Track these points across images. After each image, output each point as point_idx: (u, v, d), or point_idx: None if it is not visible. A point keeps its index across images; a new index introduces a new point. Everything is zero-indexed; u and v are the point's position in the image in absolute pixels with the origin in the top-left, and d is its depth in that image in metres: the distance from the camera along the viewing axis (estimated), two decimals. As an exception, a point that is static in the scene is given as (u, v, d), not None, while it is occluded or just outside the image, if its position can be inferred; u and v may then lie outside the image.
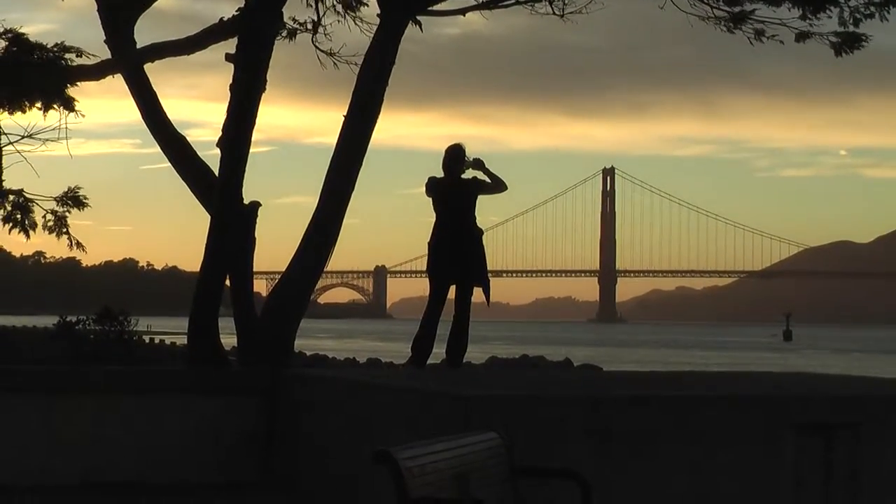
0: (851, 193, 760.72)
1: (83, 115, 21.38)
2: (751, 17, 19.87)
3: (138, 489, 15.64)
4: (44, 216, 22.10)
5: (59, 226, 22.12)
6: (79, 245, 22.78)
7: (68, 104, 20.74)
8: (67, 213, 22.19)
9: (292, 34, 20.85)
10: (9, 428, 15.87)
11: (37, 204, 22.27)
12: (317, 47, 21.11)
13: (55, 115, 20.78)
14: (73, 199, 22.12)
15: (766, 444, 12.75)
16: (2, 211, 21.95)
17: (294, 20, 20.75)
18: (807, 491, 12.69)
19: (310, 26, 20.88)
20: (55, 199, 22.26)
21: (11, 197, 21.97)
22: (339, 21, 21.04)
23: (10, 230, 22.14)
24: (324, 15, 20.98)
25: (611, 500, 11.38)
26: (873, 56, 21.89)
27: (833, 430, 12.75)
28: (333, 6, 20.75)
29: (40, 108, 20.67)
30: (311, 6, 20.80)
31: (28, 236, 22.31)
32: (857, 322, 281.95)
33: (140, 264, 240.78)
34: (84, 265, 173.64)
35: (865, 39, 19.68)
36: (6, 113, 20.58)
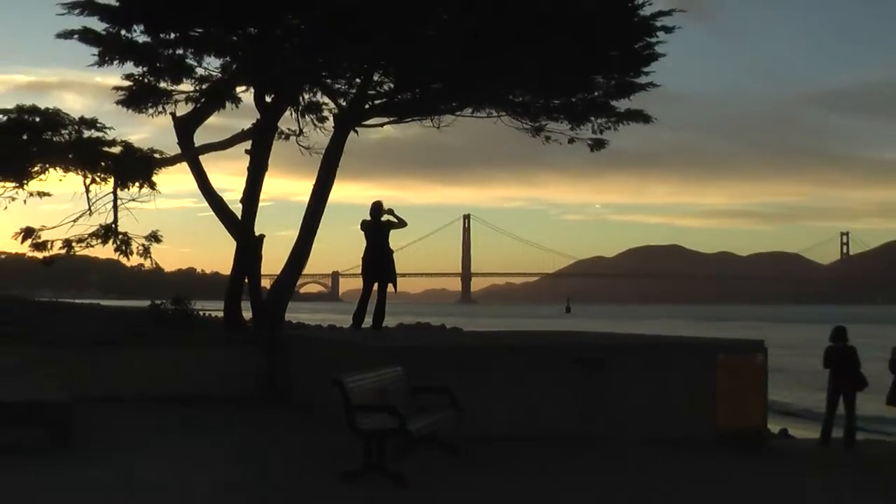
0: (601, 229, 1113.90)
1: (160, 192, 27.60)
2: (544, 129, 26.95)
3: (200, 398, 20.95)
4: (137, 247, 27.83)
5: (146, 253, 27.90)
6: (157, 264, 29.25)
7: (153, 184, 27.36)
8: (150, 245, 27.90)
9: (288, 138, 27.48)
10: (123, 367, 21.69)
11: (134, 240, 27.84)
12: (299, 144, 27.63)
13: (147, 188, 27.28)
14: (154, 237, 27.97)
15: (556, 370, 17.37)
16: (116, 244, 27.64)
17: (287, 129, 27.47)
18: (576, 397, 17.30)
19: (297, 133, 27.56)
20: (144, 237, 27.99)
21: (120, 236, 27.62)
22: (312, 129, 27.64)
23: (119, 255, 27.93)
24: (304, 126, 27.56)
25: (467, 404, 14.96)
26: (611, 151, 28.62)
27: (592, 361, 17.55)
28: (311, 121, 27.42)
29: (141, 187, 27.31)
30: (296, 121, 27.36)
31: (129, 259, 27.98)
32: (609, 302, 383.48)
33: (197, 270, 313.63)
34: (166, 271, 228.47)
35: (607, 142, 26.98)
36: (121, 188, 27.28)
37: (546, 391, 17.23)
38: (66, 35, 25.51)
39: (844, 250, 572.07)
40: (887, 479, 16.35)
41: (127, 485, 13.04)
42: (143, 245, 27.98)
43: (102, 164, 27.57)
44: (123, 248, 27.74)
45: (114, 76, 25.15)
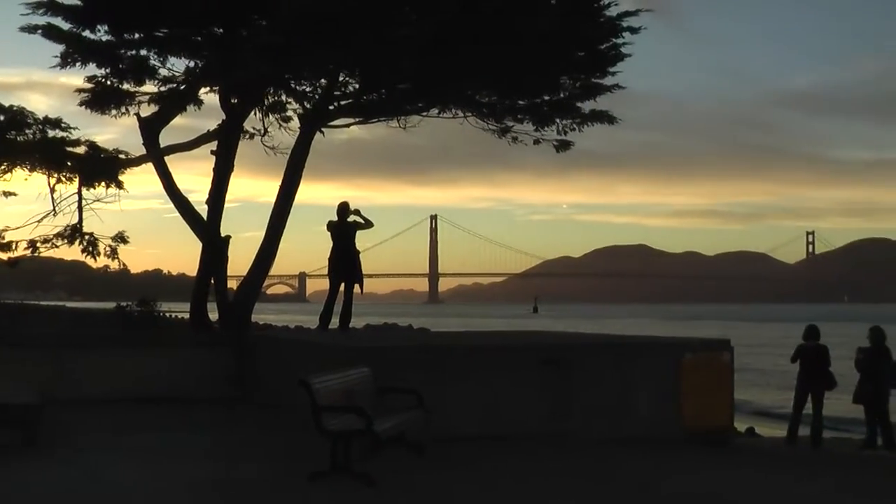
0: (568, 229, 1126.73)
1: (127, 191, 27.67)
2: (510, 130, 26.95)
3: (167, 400, 20.86)
4: (104, 248, 27.96)
5: (113, 254, 28.06)
6: (124, 265, 29.28)
7: (119, 184, 27.43)
8: (117, 246, 28.07)
9: (252, 137, 27.51)
10: (89, 368, 21.43)
11: (100, 241, 27.96)
12: (264, 144, 27.66)
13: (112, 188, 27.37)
14: (120, 237, 28.17)
15: (522, 370, 17.38)
16: (82, 244, 27.70)
17: (252, 128, 27.47)
18: (543, 396, 17.16)
19: (262, 133, 27.55)
20: (111, 237, 28.21)
21: (87, 236, 27.67)
22: (277, 129, 27.74)
23: (85, 256, 27.90)
24: (269, 126, 27.61)
25: (434, 404, 14.87)
26: (577, 152, 28.29)
27: (558, 361, 17.52)
28: (276, 121, 27.53)
29: (107, 186, 27.34)
30: (261, 121, 27.41)
31: (95, 260, 28.00)
32: (576, 302, 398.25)
33: (164, 271, 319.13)
34: (132, 272, 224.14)
35: (572, 143, 27.03)
36: (86, 188, 27.27)
37: (512, 391, 17.25)
38: (30, 30, 25.37)
39: (810, 250, 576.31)
40: (852, 476, 16.44)
41: (95, 485, 12.99)
42: (110, 246, 28.08)
43: (67, 163, 27.58)
44: (90, 249, 27.78)
45: (79, 77, 25.08)
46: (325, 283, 23.74)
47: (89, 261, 28.25)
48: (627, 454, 16.04)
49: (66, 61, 25.32)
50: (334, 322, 23.47)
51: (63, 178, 27.82)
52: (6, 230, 27.95)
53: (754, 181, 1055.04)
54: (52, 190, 27.63)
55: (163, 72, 26.20)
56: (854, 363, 21.40)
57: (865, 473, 17.18)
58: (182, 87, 26.32)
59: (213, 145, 26.36)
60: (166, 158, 26.65)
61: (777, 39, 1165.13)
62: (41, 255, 28.45)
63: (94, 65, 25.68)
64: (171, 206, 26.52)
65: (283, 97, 27.16)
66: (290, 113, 27.43)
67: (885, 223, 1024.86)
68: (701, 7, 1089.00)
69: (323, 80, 26.42)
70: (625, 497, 13.17)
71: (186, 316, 28.69)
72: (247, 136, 27.22)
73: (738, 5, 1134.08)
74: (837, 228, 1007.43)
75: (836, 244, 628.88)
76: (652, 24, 26.24)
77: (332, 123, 26.92)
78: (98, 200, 27.89)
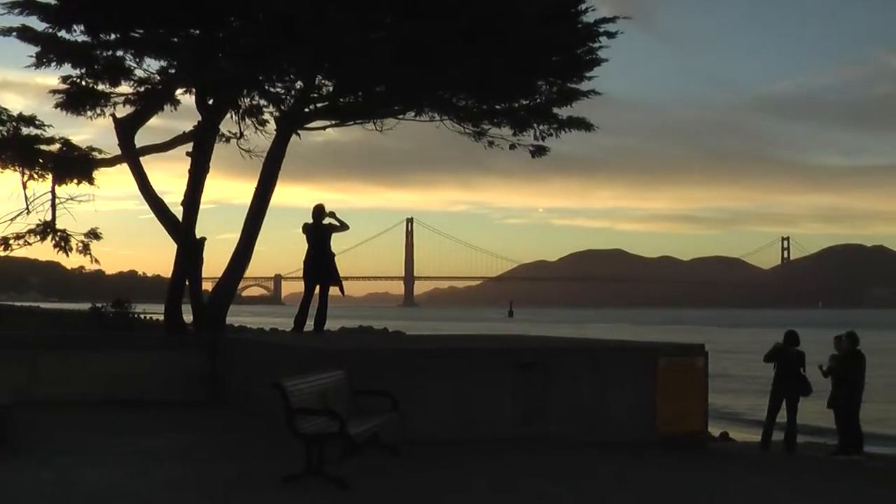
0: (544, 234, 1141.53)
1: (98, 187, 27.47)
2: (486, 134, 26.96)
3: (139, 403, 20.85)
4: (76, 244, 27.67)
5: (85, 249, 27.77)
6: (97, 261, 28.46)
7: (92, 181, 27.25)
8: (90, 242, 27.76)
9: (228, 140, 27.17)
10: (63, 370, 21.53)
11: (73, 237, 27.67)
12: (240, 147, 27.40)
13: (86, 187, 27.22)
14: (93, 234, 27.85)
15: (497, 374, 17.42)
16: (55, 241, 27.39)
17: (228, 131, 27.15)
18: (517, 400, 17.24)
19: (238, 135, 27.21)
20: (83, 234, 27.91)
21: (59, 233, 27.36)
22: (253, 132, 27.45)
23: (58, 252, 27.50)
24: (245, 129, 27.35)
25: (407, 407, 15.08)
26: (553, 156, 28.22)
27: (532, 365, 17.60)
28: (252, 123, 27.25)
29: (78, 183, 27.13)
30: (237, 123, 27.15)
31: (67, 256, 27.70)
32: (552, 306, 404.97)
33: (139, 273, 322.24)
34: (107, 273, 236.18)
35: (548, 149, 27.16)
36: (59, 185, 27.01)
37: (487, 395, 17.26)
38: (5, 32, 25.21)
39: (785, 255, 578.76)
40: (824, 481, 16.54)
41: (68, 487, 12.91)
42: (82, 242, 27.94)
43: (40, 160, 27.42)
44: (62, 244, 27.64)
45: (55, 77, 24.91)
46: (300, 286, 23.80)
47: (62, 258, 28.11)
48: (601, 458, 16.05)
49: (41, 61, 25.13)
50: (309, 325, 23.45)
51: (36, 176, 27.60)
52: (-22, 228, 27.55)
53: (730, 186, 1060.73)
54: (25, 187, 27.47)
55: (138, 73, 26.08)
56: (824, 372, 21.57)
57: (839, 478, 17.35)
58: (158, 88, 26.18)
59: (189, 146, 26.22)
60: (141, 159, 26.50)
61: (754, 46, 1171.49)
62: (15, 255, 28.40)
63: (70, 65, 25.50)
64: (147, 207, 26.46)
65: (259, 100, 27.03)
66: (266, 116, 27.39)
67: (859, 229, 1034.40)
68: (679, 13, 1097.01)
69: (299, 83, 26.41)
70: (597, 499, 13.16)
71: (161, 318, 28.58)
72: (223, 139, 27.12)
73: (717, 12, 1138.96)
74: (812, 234, 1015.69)
75: (811, 250, 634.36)
76: (630, 30, 26.74)
77: (308, 125, 26.90)
78: (72, 199, 27.79)
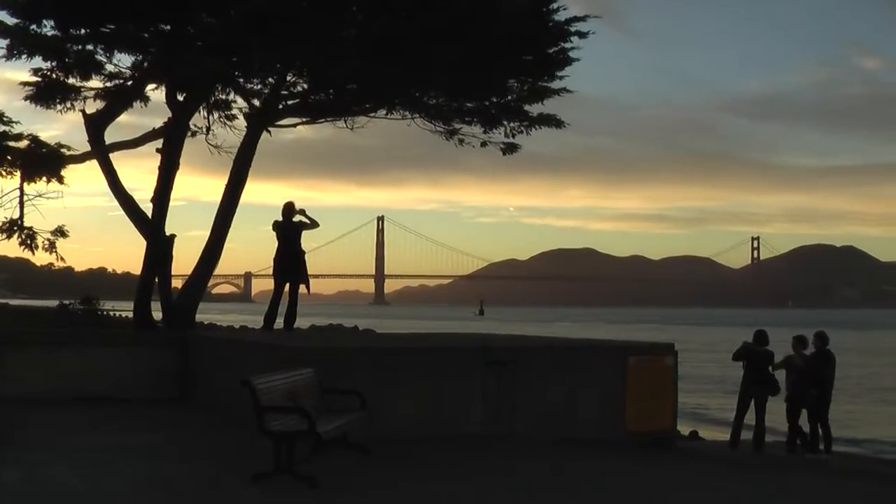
0: (515, 232, 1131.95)
1: (68, 185, 27.35)
2: (457, 132, 27.01)
3: (107, 401, 20.69)
4: (43, 242, 27.50)
5: (51, 247, 27.59)
6: (63, 259, 28.42)
7: (61, 180, 27.11)
8: (57, 240, 27.55)
9: (194, 135, 27.21)
10: (31, 366, 21.43)
11: (39, 234, 27.50)
12: (208, 143, 27.55)
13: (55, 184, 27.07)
14: (60, 231, 27.61)
15: (466, 373, 17.40)
16: (21, 238, 27.27)
17: (195, 125, 27.17)
18: (487, 398, 17.36)
19: (205, 131, 27.39)
20: (50, 232, 27.66)
21: (26, 230, 27.24)
22: (222, 127, 27.65)
23: (24, 250, 27.48)
24: (213, 124, 27.48)
25: (376, 405, 15.25)
26: (524, 154, 28.34)
27: (503, 363, 17.65)
28: (220, 118, 27.43)
29: (48, 181, 27.01)
30: (205, 119, 27.26)
31: (33, 254, 27.55)
32: (522, 305, 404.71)
33: (109, 270, 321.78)
34: (76, 270, 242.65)
35: (519, 146, 27.13)
36: (28, 182, 26.96)
37: (457, 393, 17.28)
38: None
39: (755, 255, 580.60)
40: (791, 480, 16.63)
41: (36, 485, 12.86)
42: (48, 240, 27.78)
43: (8, 157, 27.37)
44: (28, 242, 27.51)
45: (25, 72, 24.81)
46: (270, 283, 23.76)
47: (28, 255, 28.06)
48: (570, 456, 16.09)
49: (11, 53, 24.99)
50: (279, 322, 23.46)
51: (3, 173, 27.52)
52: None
53: (701, 186, 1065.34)
54: (-8, 184, 27.04)
55: (109, 67, 26.02)
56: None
57: (805, 476, 17.47)
58: (128, 83, 26.14)
59: (159, 143, 26.16)
60: (111, 156, 26.36)
61: (725, 45, 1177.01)
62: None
63: (41, 58, 25.42)
64: (116, 203, 26.36)
65: (231, 95, 27.09)
66: (235, 111, 27.45)
67: (829, 229, 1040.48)
68: (650, 12, 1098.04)
69: (270, 79, 26.37)
70: (570, 498, 13.21)
71: (130, 315, 28.66)
72: (191, 134, 27.09)
73: (689, 12, 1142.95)
74: (782, 234, 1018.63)
75: (780, 250, 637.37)
76: (601, 29, 26.97)
77: (279, 123, 26.89)
78: (40, 196, 27.65)
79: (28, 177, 27.16)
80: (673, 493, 14.13)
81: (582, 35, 25.41)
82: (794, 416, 21.56)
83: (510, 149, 27.29)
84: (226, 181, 26.13)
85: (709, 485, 15.17)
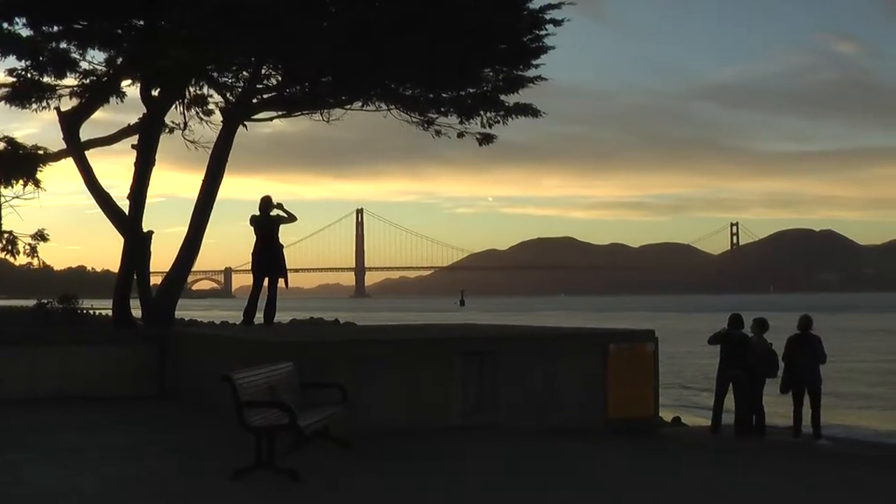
0: (494, 222, 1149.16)
1: (44, 189, 27.19)
2: (434, 123, 27.05)
3: (86, 400, 20.70)
4: (24, 246, 27.82)
5: (32, 252, 27.96)
6: (45, 264, 29.72)
7: (37, 182, 26.91)
8: (37, 244, 27.89)
9: (172, 131, 27.21)
10: (9, 367, 21.34)
11: (19, 239, 27.78)
12: (185, 138, 27.42)
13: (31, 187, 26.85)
14: (40, 235, 27.99)
15: (447, 363, 17.47)
16: (1, 244, 27.61)
17: (172, 122, 27.12)
18: (468, 389, 17.43)
19: (182, 126, 27.23)
20: (30, 235, 27.99)
21: (6, 234, 27.58)
22: (198, 123, 27.41)
23: (5, 255, 27.76)
24: (189, 120, 27.32)
25: (357, 399, 15.38)
26: (501, 144, 28.60)
27: (483, 354, 17.75)
28: (196, 114, 27.21)
29: (24, 184, 26.84)
30: (182, 114, 27.11)
31: (15, 259, 27.77)
32: (503, 295, 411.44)
33: (88, 268, 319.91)
34: (55, 269, 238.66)
35: (495, 136, 27.24)
36: (4, 186, 26.85)
37: (438, 384, 17.30)
38: None
39: (734, 240, 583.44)
40: (773, 463, 16.64)
41: (13, 486, 12.74)
42: (29, 244, 27.93)
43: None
44: (9, 247, 27.62)
45: (-1, 72, 24.78)
46: (250, 279, 23.64)
47: (9, 259, 28.11)
48: (552, 444, 16.09)
49: (-16, 54, 24.91)
50: (259, 317, 23.38)
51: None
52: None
53: (679, 173, 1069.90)
54: (-32, 188, 26.94)
55: (83, 65, 25.91)
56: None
57: (787, 459, 17.47)
58: (103, 80, 26.04)
59: (135, 139, 26.09)
60: (87, 153, 26.34)
61: (702, 33, 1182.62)
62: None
63: (14, 57, 25.33)
64: (93, 201, 26.31)
65: (205, 89, 27.00)
66: (211, 106, 27.28)
67: (807, 214, 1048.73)
68: (626, 0, 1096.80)
69: (245, 73, 26.42)
70: (549, 485, 13.14)
71: (109, 312, 28.51)
72: (168, 130, 27.07)
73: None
74: (761, 219, 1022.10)
75: (760, 235, 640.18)
76: (577, 17, 26.53)
77: (255, 117, 26.86)
78: (17, 197, 27.66)
79: (5, 181, 27.01)
80: (657, 480, 14.07)
81: (557, 23, 25.42)
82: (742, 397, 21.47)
83: (486, 139, 27.31)
84: (203, 176, 26.10)
85: (693, 471, 15.15)
